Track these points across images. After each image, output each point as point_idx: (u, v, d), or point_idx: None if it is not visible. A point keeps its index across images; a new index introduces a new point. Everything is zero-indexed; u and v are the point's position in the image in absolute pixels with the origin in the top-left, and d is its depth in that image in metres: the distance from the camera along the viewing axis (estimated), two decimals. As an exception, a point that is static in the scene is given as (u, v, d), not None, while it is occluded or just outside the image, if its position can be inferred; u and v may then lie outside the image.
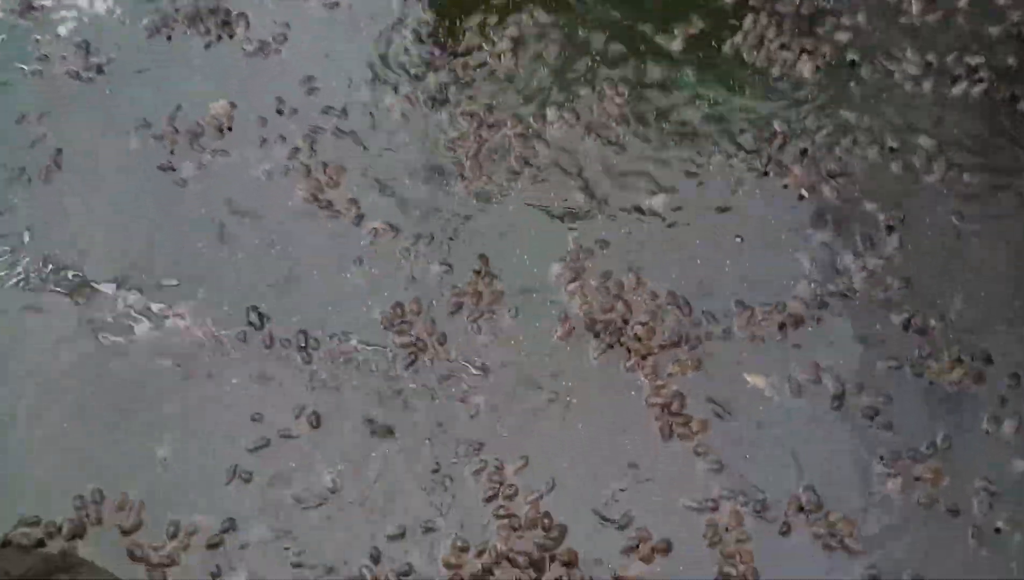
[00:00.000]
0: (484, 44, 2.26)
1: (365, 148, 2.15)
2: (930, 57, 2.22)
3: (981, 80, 2.19)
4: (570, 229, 2.05)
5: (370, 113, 2.19)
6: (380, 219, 2.05)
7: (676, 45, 2.25)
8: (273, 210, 2.08)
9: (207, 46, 2.28)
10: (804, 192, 2.08)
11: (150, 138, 2.15)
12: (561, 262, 2.00)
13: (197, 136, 2.16)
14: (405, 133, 2.17)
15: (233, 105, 2.18)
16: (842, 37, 2.25)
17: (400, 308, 1.97)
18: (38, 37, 2.27)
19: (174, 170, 2.12)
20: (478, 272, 2.00)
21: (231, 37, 2.29)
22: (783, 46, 2.23)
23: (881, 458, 1.82)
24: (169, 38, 2.28)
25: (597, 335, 1.92)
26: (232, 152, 2.15)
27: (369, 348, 1.92)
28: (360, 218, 2.06)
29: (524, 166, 2.12)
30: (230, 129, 2.18)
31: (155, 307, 1.96)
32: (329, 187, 2.09)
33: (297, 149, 2.14)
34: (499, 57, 2.24)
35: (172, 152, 2.14)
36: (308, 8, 2.32)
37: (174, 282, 1.98)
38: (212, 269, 2.01)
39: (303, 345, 1.92)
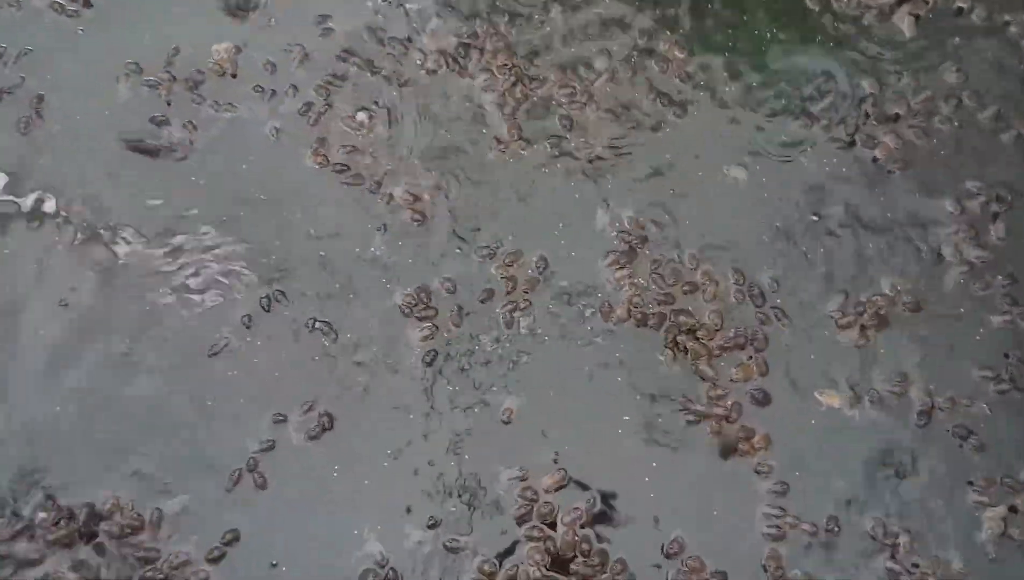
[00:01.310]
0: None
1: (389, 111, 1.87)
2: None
3: (1112, 36, 1.86)
4: (618, 206, 1.78)
5: (398, 61, 1.90)
6: (403, 188, 1.80)
7: (752, -12, 1.92)
8: (283, 174, 1.82)
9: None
10: (894, 167, 1.79)
11: (142, 86, 1.88)
12: (610, 246, 1.75)
13: (197, 84, 1.89)
14: (436, 94, 1.88)
15: (238, 49, 1.90)
16: (952, -15, 1.91)
17: (426, 293, 1.74)
18: (16, -38, 1.99)
19: (169, 124, 1.86)
20: (512, 255, 1.75)
21: (238, -31, 1.99)
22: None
23: (972, 483, 1.59)
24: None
25: (646, 325, 1.69)
26: (238, 105, 1.88)
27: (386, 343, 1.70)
28: (379, 185, 1.81)
29: (570, 129, 1.83)
30: (234, 76, 1.90)
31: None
32: (347, 151, 1.83)
33: (310, 104, 1.87)
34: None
35: (168, 103, 1.88)
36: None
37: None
38: (217, 241, 1.78)
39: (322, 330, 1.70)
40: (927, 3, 1.88)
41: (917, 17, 1.88)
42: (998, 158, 1.79)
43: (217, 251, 1.78)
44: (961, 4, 1.88)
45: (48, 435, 1.63)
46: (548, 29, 1.91)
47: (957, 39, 1.87)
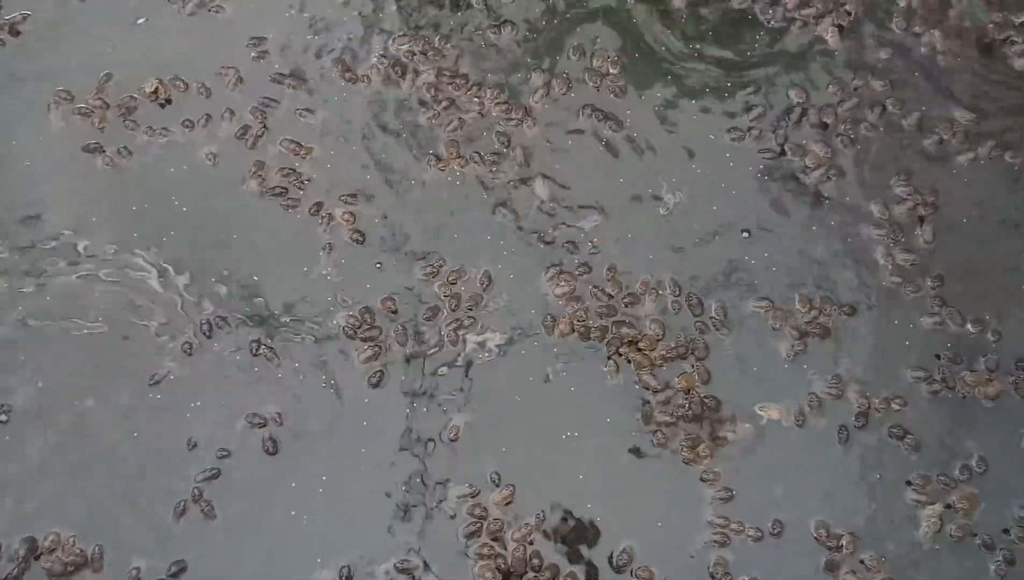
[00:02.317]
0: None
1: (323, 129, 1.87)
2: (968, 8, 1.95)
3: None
4: (562, 225, 1.80)
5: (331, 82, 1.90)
6: (344, 211, 1.79)
7: (678, 1, 1.96)
8: (221, 200, 1.80)
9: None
10: (823, 175, 1.83)
11: (74, 114, 1.85)
12: (551, 261, 1.77)
13: (130, 111, 1.86)
14: (372, 108, 1.88)
15: (163, 84, 1.86)
16: (870, -8, 1.97)
17: (369, 313, 1.73)
18: (-62, -9, 1.94)
19: (103, 152, 1.83)
20: (456, 273, 1.76)
21: (170, -10, 1.96)
22: (801, 4, 1.95)
23: (909, 483, 1.63)
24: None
25: (588, 338, 1.71)
26: (172, 129, 1.86)
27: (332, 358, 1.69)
28: (318, 207, 1.80)
29: (507, 147, 1.85)
30: (169, 102, 1.88)
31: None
32: (286, 177, 1.82)
33: (247, 127, 1.86)
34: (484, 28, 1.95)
35: (101, 130, 1.85)
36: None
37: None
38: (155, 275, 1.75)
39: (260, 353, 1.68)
40: (850, 14, 1.94)
41: (841, 28, 1.93)
42: (923, 163, 1.84)
43: (157, 278, 1.75)
44: (882, 16, 1.94)
45: (-19, 475, 1.59)
46: (484, 47, 1.92)
47: (880, 49, 1.92)
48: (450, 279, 1.76)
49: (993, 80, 1.90)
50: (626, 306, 1.75)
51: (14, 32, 1.92)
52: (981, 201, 1.82)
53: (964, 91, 1.89)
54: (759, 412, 1.66)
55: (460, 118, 1.85)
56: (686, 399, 1.67)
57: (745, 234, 1.78)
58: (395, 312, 1.74)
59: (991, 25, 1.92)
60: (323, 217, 1.79)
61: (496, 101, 1.87)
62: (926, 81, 1.90)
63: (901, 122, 1.87)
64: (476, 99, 1.87)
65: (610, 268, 1.77)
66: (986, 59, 1.91)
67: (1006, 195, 1.83)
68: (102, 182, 1.82)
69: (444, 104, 1.88)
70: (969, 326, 1.73)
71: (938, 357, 1.72)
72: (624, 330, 1.73)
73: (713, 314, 1.74)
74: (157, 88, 1.84)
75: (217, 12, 1.92)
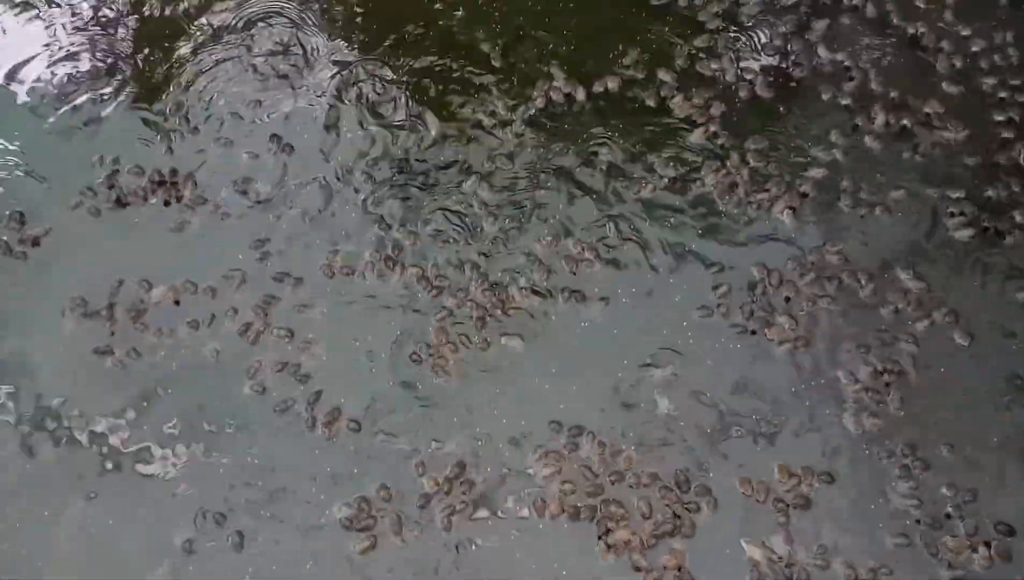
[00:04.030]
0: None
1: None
2: (912, 187, 2.13)
3: (963, 214, 2.10)
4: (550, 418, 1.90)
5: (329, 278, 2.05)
6: (348, 418, 1.89)
7: (646, 193, 2.14)
8: (226, 397, 1.91)
9: (153, 211, 2.13)
10: (791, 344, 1.95)
11: (85, 318, 1.98)
12: (539, 441, 1.85)
13: (140, 314, 2.00)
14: (371, 305, 2.02)
15: (176, 290, 2.02)
16: (816, 174, 2.16)
17: (365, 502, 1.80)
18: (-35, 207, 2.12)
19: (112, 353, 1.95)
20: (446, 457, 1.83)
21: (178, 200, 2.15)
22: (757, 188, 2.14)
23: (901, 656, 1.65)
24: (124, 204, 2.12)
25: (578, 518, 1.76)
26: (179, 330, 1.98)
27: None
28: (313, 403, 1.90)
29: (482, 327, 1.97)
30: (177, 304, 2.02)
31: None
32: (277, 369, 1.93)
33: (249, 324, 1.99)
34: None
35: (112, 333, 1.98)
36: (260, 163, 2.19)
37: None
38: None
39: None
40: (803, 197, 2.12)
41: (794, 209, 2.11)
42: (882, 330, 1.97)
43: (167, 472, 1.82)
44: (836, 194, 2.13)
45: None
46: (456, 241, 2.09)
47: (833, 222, 2.09)
48: (448, 475, 1.83)
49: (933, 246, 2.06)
50: (612, 484, 1.82)
51: (35, 243, 2.09)
52: (941, 366, 1.93)
53: (910, 259, 2.04)
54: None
55: (447, 309, 1.99)
56: (677, 578, 1.71)
57: (720, 408, 1.88)
58: (388, 500, 1.80)
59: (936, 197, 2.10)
60: (324, 422, 1.88)
61: (482, 288, 2.01)
62: (872, 252, 2.06)
63: (859, 294, 2.01)
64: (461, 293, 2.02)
65: (600, 443, 1.85)
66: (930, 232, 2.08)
67: (966, 361, 1.94)
68: (110, 380, 1.92)
69: (434, 294, 2.02)
70: (944, 490, 1.80)
71: (918, 522, 1.77)
72: (612, 509, 1.78)
73: (695, 492, 1.80)
74: (169, 292, 1.99)
75: (223, 218, 2.10)
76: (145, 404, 1.90)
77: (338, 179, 2.15)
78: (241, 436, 1.87)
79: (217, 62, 2.31)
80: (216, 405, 1.90)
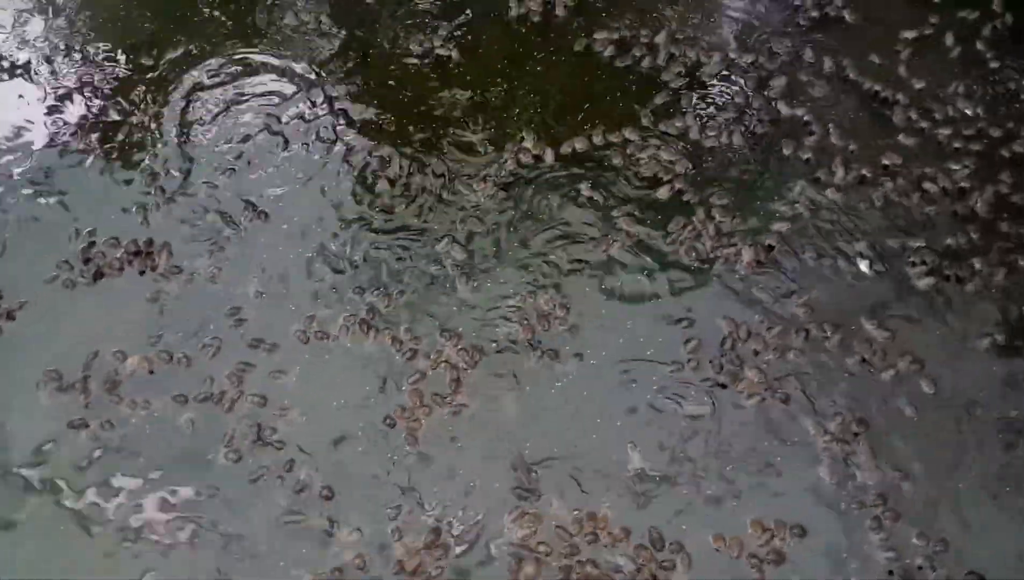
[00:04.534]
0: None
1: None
2: (874, 238, 2.19)
3: (924, 263, 2.15)
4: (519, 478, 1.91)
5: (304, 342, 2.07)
6: (321, 483, 1.90)
7: (614, 251, 2.19)
8: (199, 468, 1.91)
9: (128, 282, 2.15)
10: (760, 397, 1.98)
11: (59, 392, 1.99)
12: (513, 504, 1.86)
13: (115, 385, 2.01)
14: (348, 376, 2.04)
15: (150, 361, 2.03)
16: (781, 227, 2.21)
17: (339, 571, 1.79)
18: (-60, 283, 2.14)
19: (87, 426, 1.96)
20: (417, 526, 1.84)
21: (153, 269, 2.17)
22: (723, 243, 2.18)
23: None
24: (100, 275, 2.14)
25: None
26: (154, 402, 1.99)
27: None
28: (291, 469, 1.90)
29: (456, 389, 1.99)
30: (152, 374, 2.03)
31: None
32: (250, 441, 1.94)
33: (223, 392, 2.00)
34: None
35: (87, 406, 1.98)
36: (235, 230, 2.22)
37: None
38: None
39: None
40: (768, 250, 2.17)
41: (760, 263, 2.16)
42: (850, 381, 2.00)
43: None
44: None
45: None
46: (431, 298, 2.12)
47: (799, 275, 2.14)
48: (416, 543, 1.83)
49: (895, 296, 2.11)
50: (588, 544, 1.83)
51: (10, 317, 2.10)
52: (908, 416, 1.96)
53: (875, 309, 2.08)
54: None
55: (420, 371, 2.01)
56: (654, 638, 1.71)
57: (689, 461, 1.90)
58: (363, 568, 1.80)
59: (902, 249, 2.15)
60: (297, 485, 1.89)
61: (457, 348, 2.04)
62: (841, 303, 2.10)
63: (824, 344, 2.05)
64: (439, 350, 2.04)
65: (575, 508, 1.86)
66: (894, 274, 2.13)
67: (932, 409, 1.97)
68: (84, 452, 1.92)
69: (408, 356, 2.04)
70: (915, 539, 1.82)
71: (891, 572, 1.79)
72: (588, 570, 1.79)
73: (670, 550, 1.81)
74: (143, 362, 2.00)
75: (208, 282, 2.12)
76: (118, 476, 1.90)
77: (312, 243, 2.19)
78: (214, 504, 1.87)
79: (190, 129, 2.36)
80: (190, 474, 1.90)
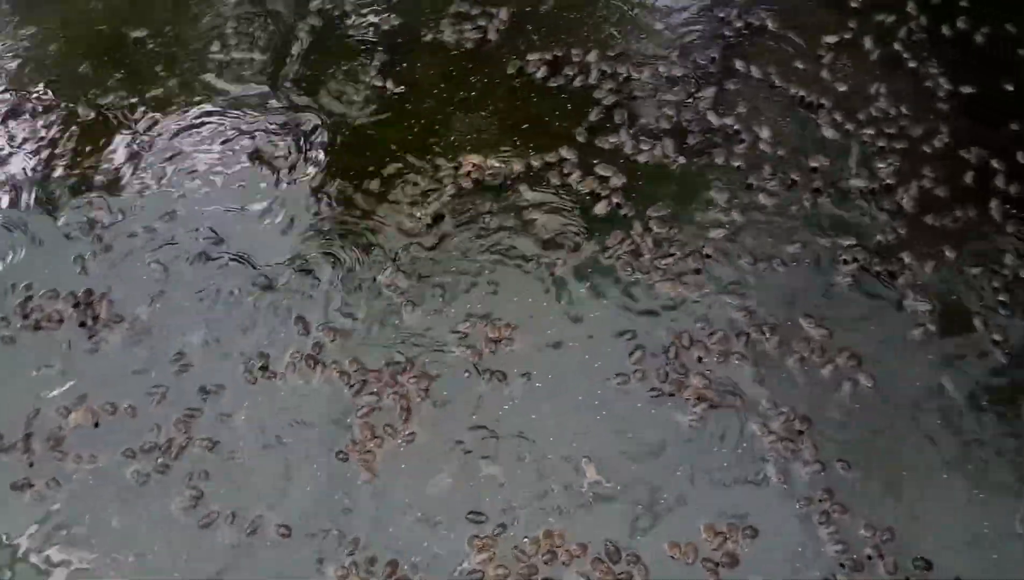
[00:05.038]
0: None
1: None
2: (806, 239, 2.24)
3: (856, 261, 2.22)
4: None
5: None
6: (276, 523, 1.89)
7: (559, 270, 2.21)
8: (149, 519, 1.89)
9: (69, 334, 2.13)
10: (707, 403, 2.01)
11: (2, 453, 1.96)
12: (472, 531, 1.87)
13: (59, 442, 1.98)
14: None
15: (94, 413, 2.01)
16: (716, 234, 2.26)
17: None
18: None
19: (31, 486, 1.92)
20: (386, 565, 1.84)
21: (95, 321, 2.15)
22: (662, 254, 2.23)
23: None
24: (39, 329, 2.10)
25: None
26: (100, 456, 1.96)
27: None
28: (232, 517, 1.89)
29: (406, 419, 2.00)
30: (96, 426, 2.01)
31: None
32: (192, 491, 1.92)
33: (171, 440, 1.98)
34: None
35: (31, 464, 1.95)
36: (174, 274, 2.21)
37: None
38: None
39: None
40: (706, 257, 2.22)
41: (699, 271, 2.20)
42: (790, 382, 2.05)
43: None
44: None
45: None
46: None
47: (736, 280, 2.19)
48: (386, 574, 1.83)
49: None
50: (546, 563, 1.84)
51: (-53, 380, 2.06)
52: (849, 409, 2.01)
53: (811, 307, 2.14)
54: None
55: (369, 404, 2.02)
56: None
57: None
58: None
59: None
60: (247, 526, 1.88)
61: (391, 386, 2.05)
62: (783, 304, 2.15)
63: (764, 346, 2.09)
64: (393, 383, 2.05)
65: (530, 521, 1.87)
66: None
67: (872, 401, 2.02)
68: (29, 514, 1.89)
69: (356, 389, 2.04)
70: (863, 531, 1.86)
71: (842, 565, 1.82)
72: (546, 589, 1.80)
73: (627, 561, 1.83)
74: (85, 416, 1.98)
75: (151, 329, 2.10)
76: (67, 531, 1.87)
77: (253, 284, 2.18)
78: (166, 553, 1.84)
79: (127, 176, 2.34)
80: (141, 525, 1.87)
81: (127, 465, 1.95)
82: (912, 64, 2.56)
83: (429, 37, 2.61)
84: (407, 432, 1.99)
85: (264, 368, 2.06)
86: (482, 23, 2.64)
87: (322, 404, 2.02)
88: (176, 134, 2.43)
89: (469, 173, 2.13)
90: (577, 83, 2.52)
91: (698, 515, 1.89)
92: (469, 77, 2.54)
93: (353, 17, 2.66)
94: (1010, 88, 2.51)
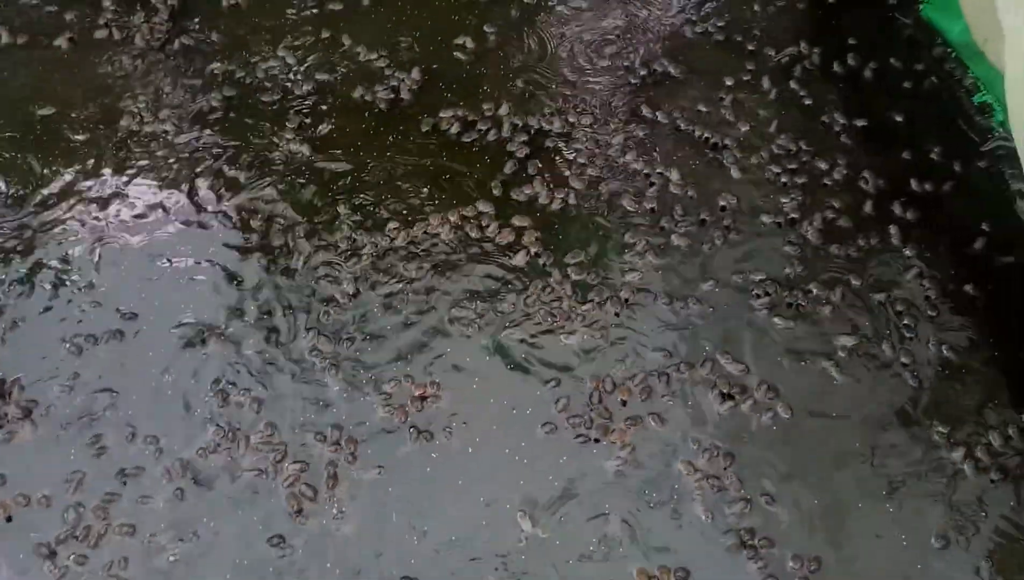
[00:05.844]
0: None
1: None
2: (718, 276, 2.31)
3: (768, 294, 2.29)
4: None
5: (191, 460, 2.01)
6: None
7: (482, 323, 2.24)
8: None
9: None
10: (630, 446, 2.04)
11: (-92, 558, 1.87)
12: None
13: (-32, 541, 1.89)
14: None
15: (6, 506, 1.94)
16: (632, 278, 2.31)
17: None
18: None
19: (-61, 590, 1.84)
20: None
21: (5, 400, 2.08)
22: (581, 300, 2.27)
23: None
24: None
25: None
26: (14, 550, 1.89)
27: None
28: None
29: (334, 486, 1.98)
30: (9, 520, 1.93)
31: None
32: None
33: (89, 527, 1.92)
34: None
35: (-64, 567, 1.86)
36: (89, 355, 2.16)
37: None
38: None
39: None
40: (625, 302, 2.27)
41: (617, 314, 2.25)
42: (712, 418, 2.09)
43: None
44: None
45: None
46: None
47: (654, 322, 2.24)
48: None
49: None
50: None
51: None
52: (769, 442, 2.06)
53: (727, 344, 2.20)
54: None
55: (292, 475, 1.99)
56: None
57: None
58: None
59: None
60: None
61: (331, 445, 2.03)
62: (696, 342, 2.20)
63: (685, 385, 2.14)
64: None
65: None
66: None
67: (790, 433, 2.08)
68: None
69: (278, 458, 2.01)
70: (791, 563, 1.89)
71: (777, 599, 1.86)
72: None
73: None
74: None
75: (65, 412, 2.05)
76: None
77: (170, 360, 2.15)
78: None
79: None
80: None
81: (43, 560, 1.88)
82: (808, 101, 2.69)
83: (342, 99, 2.64)
84: (335, 499, 1.96)
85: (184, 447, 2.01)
86: (394, 83, 2.68)
87: (246, 482, 1.99)
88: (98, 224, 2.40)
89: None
90: (491, 137, 2.57)
91: (630, 560, 1.90)
92: (385, 137, 2.57)
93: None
94: (899, 119, 2.66)
